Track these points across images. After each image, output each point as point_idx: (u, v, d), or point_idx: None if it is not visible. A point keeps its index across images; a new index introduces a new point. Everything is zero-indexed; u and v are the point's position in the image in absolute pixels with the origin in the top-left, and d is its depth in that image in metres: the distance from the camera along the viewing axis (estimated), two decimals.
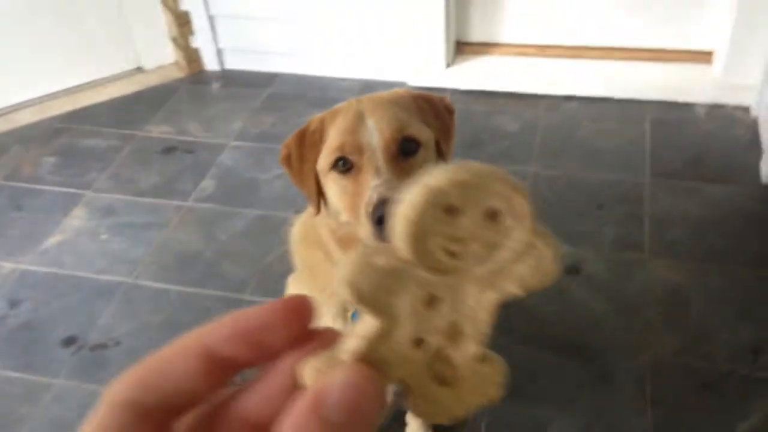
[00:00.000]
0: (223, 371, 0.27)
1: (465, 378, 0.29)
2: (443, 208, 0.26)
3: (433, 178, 0.26)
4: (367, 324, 0.27)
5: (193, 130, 2.55)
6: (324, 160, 0.99)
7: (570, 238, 1.97)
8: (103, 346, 1.77)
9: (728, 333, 1.68)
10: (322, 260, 1.06)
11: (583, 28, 2.60)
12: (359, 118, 0.96)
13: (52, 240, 2.10)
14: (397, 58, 2.64)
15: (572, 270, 1.88)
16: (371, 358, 0.27)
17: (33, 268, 2.01)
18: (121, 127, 2.59)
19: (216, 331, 0.27)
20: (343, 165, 0.96)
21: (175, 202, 2.21)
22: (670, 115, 2.42)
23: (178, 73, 2.89)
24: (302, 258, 1.12)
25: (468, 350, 0.29)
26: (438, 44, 2.56)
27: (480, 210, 0.27)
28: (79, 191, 2.29)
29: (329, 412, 0.25)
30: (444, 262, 0.27)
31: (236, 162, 2.38)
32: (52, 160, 2.45)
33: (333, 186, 0.98)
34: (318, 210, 1.02)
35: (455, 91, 2.63)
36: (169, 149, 2.46)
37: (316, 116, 1.05)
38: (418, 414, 0.29)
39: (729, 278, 1.82)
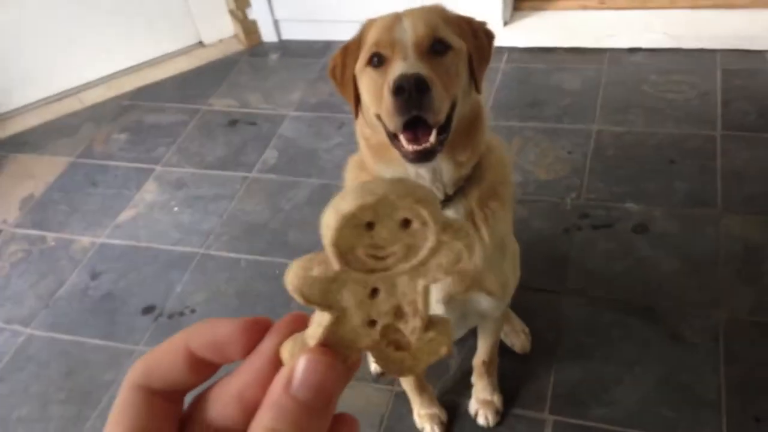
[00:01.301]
0: (204, 367, 0.35)
1: (415, 343, 0.35)
2: (362, 225, 0.32)
3: (343, 203, 0.32)
4: (323, 316, 0.34)
5: (254, 102, 2.59)
6: (361, 59, 1.02)
7: (640, 196, 1.92)
8: (180, 314, 1.85)
9: None
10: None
11: None
12: (396, 19, 0.99)
13: (127, 214, 2.20)
14: None
15: (640, 228, 1.84)
16: (332, 340, 0.34)
17: (110, 241, 2.11)
18: (185, 102, 2.65)
19: (195, 336, 0.34)
20: (377, 60, 0.98)
21: (241, 174, 2.27)
22: (742, 64, 2.31)
23: (237, 46, 2.93)
24: (351, 180, 1.15)
25: (413, 323, 0.35)
26: (495, 2, 2.51)
27: (393, 221, 0.33)
28: (150, 166, 2.37)
29: (296, 389, 0.31)
30: (372, 265, 0.33)
31: (297, 132, 2.41)
32: (122, 137, 2.54)
33: (366, 81, 1.00)
34: (356, 115, 1.05)
35: (513, 49, 2.58)
36: (233, 122, 2.51)
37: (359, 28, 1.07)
38: (386, 371, 0.36)
39: None
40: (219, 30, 2.96)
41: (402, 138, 0.92)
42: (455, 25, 1.01)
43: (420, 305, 0.35)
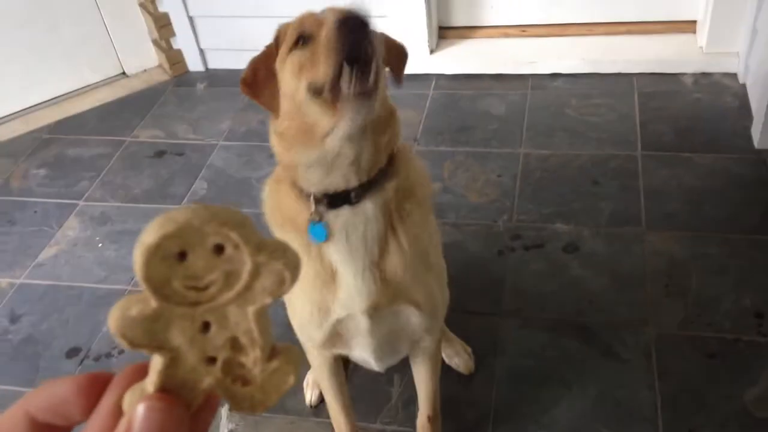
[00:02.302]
0: (50, 430, 0.34)
1: (261, 376, 0.34)
2: (172, 256, 0.31)
3: (146, 235, 0.31)
4: (156, 360, 0.33)
5: (181, 133, 2.54)
6: (283, 50, 0.98)
7: (566, 216, 1.97)
8: (107, 355, 1.76)
9: (730, 301, 1.69)
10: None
11: (563, 6, 2.59)
12: (315, 12, 0.97)
13: (48, 252, 2.09)
14: None
15: (570, 248, 1.88)
16: (172, 384, 0.32)
17: (31, 281, 2.00)
18: (109, 134, 2.57)
19: (33, 401, 0.34)
20: (303, 41, 0.94)
21: (169, 206, 2.20)
22: (657, 86, 2.43)
23: (162, 76, 2.87)
24: (269, 202, 1.12)
25: (253, 354, 0.34)
26: (421, 31, 2.55)
27: (205, 249, 0.31)
28: (72, 201, 2.27)
29: None
30: (193, 297, 0.32)
31: (227, 162, 2.36)
32: (41, 171, 2.43)
33: (292, 62, 0.95)
34: (277, 112, 0.99)
35: (441, 76, 2.62)
36: (160, 153, 2.45)
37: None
38: (237, 410, 0.35)
39: (728, 247, 1.82)
40: (142, 60, 2.89)
41: (345, 78, 0.87)
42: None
43: (256, 334, 0.33)
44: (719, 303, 1.69)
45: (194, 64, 2.87)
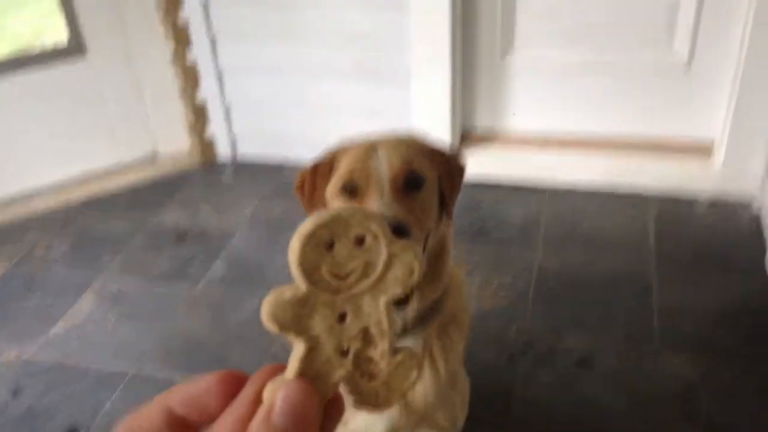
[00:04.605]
0: (184, 426, 0.36)
1: (386, 370, 0.37)
2: (322, 244, 0.36)
3: (303, 226, 0.36)
4: (298, 348, 0.36)
5: (205, 217, 2.59)
6: (333, 185, 1.02)
7: (578, 330, 1.95)
8: None
9: (746, 430, 1.64)
10: None
11: (583, 118, 2.67)
12: (371, 149, 0.99)
13: (60, 326, 2.11)
14: None
15: (582, 362, 1.86)
16: (309, 374, 0.36)
17: (39, 355, 2.01)
18: (134, 214, 2.63)
19: (174, 394, 0.36)
20: (351, 190, 0.97)
21: (186, 288, 2.23)
22: (672, 208, 2.45)
23: (192, 161, 2.97)
24: None
25: (381, 346, 0.37)
26: (444, 133, 2.63)
27: (349, 239, 0.36)
28: (90, 277, 2.31)
29: (276, 418, 0.33)
30: (335, 284, 0.36)
31: (247, 247, 2.40)
32: (65, 245, 2.48)
33: None
34: None
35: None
36: (181, 235, 2.50)
37: (330, 150, 1.08)
38: (361, 408, 0.37)
39: (741, 372, 1.79)
40: (175, 144, 3.00)
41: None
42: (428, 155, 1.04)
43: (385, 325, 0.37)
44: (734, 429, 1.64)
45: (225, 151, 2.97)
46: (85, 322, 2.12)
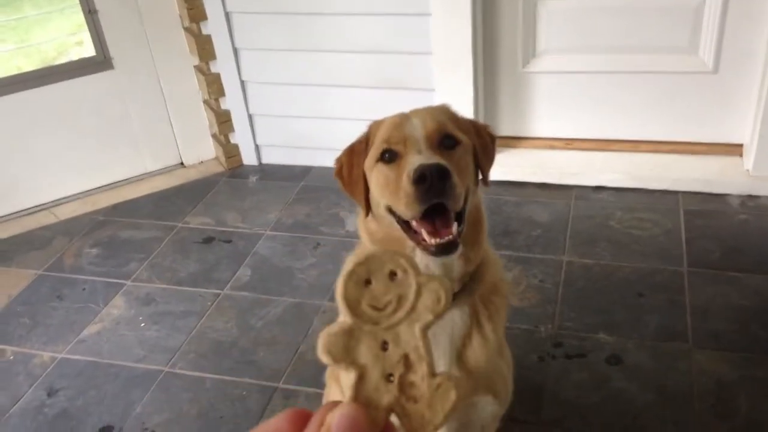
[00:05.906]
0: None
1: (428, 392, 0.40)
2: (361, 281, 0.40)
3: (345, 265, 0.41)
4: (349, 377, 0.40)
5: (230, 221, 2.62)
6: (371, 156, 1.04)
7: (610, 327, 1.94)
8: None
9: None
10: None
11: (610, 124, 2.66)
12: (405, 118, 1.03)
13: (91, 329, 2.13)
14: None
15: (614, 360, 1.84)
16: (362, 401, 0.39)
17: (72, 356, 2.03)
18: (161, 219, 2.66)
19: None
20: (389, 156, 1.00)
21: (213, 291, 2.24)
22: (703, 205, 2.43)
23: (218, 168, 3.00)
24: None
25: (421, 370, 0.40)
26: None
27: (384, 274, 0.41)
28: (119, 281, 2.33)
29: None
30: (375, 316, 0.40)
31: (272, 251, 2.42)
32: (94, 251, 2.51)
33: (377, 176, 1.01)
34: (367, 212, 1.05)
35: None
36: (208, 239, 2.52)
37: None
38: (410, 429, 0.40)
39: None
40: (201, 152, 3.04)
41: (424, 232, 0.93)
42: (460, 124, 1.07)
43: (422, 350, 0.40)
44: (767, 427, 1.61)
45: (249, 158, 2.99)
46: (116, 325, 2.14)
